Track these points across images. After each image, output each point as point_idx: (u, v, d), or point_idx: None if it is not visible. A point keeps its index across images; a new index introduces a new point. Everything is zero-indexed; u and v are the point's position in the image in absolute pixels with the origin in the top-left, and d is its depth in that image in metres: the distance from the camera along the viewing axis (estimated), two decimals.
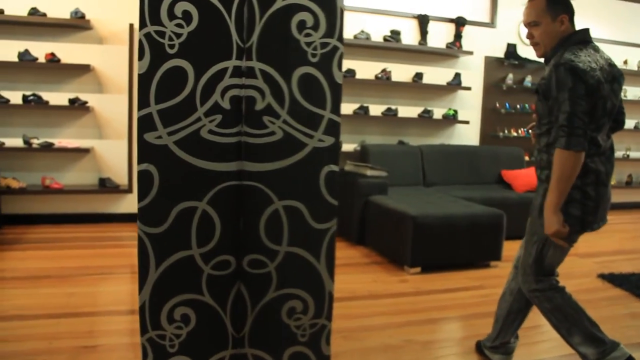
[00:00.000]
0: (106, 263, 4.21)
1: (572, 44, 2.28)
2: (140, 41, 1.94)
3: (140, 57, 1.94)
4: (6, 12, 4.99)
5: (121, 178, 5.47)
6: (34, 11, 5.03)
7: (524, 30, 2.47)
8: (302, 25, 2.06)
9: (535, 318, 2.85)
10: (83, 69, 5.26)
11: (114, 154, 5.47)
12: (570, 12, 2.33)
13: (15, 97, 5.11)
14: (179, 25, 1.96)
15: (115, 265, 4.17)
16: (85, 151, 5.30)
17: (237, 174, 2.05)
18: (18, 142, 5.16)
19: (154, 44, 1.94)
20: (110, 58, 5.39)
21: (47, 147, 5.11)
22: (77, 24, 5.17)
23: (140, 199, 1.96)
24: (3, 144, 5.06)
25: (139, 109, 1.96)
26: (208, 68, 1.99)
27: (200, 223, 2.02)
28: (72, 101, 5.19)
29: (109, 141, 5.45)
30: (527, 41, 2.46)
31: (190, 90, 1.97)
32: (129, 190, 5.40)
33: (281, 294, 2.15)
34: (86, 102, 5.21)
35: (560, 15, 2.30)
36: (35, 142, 5.11)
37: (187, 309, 2.07)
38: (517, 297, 2.64)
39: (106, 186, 5.31)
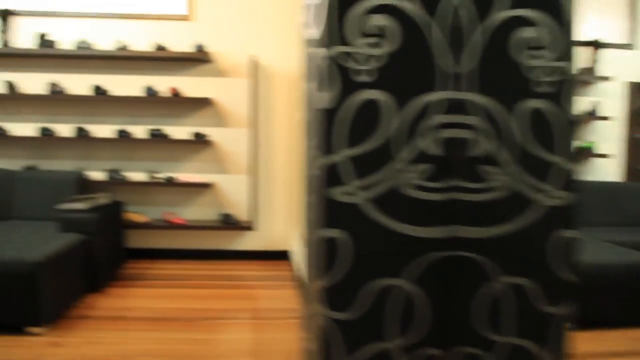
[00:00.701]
0: (228, 306, 3.79)
1: None
2: (320, 67, 1.44)
3: (324, 87, 1.44)
4: (131, 48, 4.79)
5: (243, 214, 5.08)
6: (156, 46, 4.80)
7: None
8: (528, 44, 1.50)
9: None
10: (204, 103, 4.96)
11: (236, 189, 5.10)
12: None
13: (139, 131, 4.87)
14: (374, 45, 1.45)
15: (237, 308, 3.74)
16: (206, 186, 4.96)
17: (448, 242, 1.49)
18: (142, 176, 4.90)
19: (342, 69, 1.44)
20: (230, 91, 5.06)
21: (170, 182, 4.82)
22: (198, 57, 4.89)
23: (324, 275, 1.44)
24: (128, 178, 4.80)
25: (323, 155, 1.45)
26: (411, 101, 1.46)
27: (400, 306, 1.47)
28: (194, 135, 4.88)
29: (230, 176, 5.09)
30: None
31: (389, 132, 1.45)
32: (250, 227, 4.99)
33: None
34: (207, 136, 4.88)
35: None
36: (158, 177, 4.82)
37: None
38: None
39: (227, 222, 4.93)
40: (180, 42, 4.92)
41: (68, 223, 3.85)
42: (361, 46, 1.43)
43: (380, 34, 1.44)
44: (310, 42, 1.48)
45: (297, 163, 5.12)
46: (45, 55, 4.84)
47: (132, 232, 4.92)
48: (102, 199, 4.26)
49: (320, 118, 1.44)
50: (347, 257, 1.44)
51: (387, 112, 1.45)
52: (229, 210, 5.05)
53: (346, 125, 1.43)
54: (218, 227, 4.92)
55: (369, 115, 1.44)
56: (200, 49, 4.82)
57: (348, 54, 1.43)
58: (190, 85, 4.98)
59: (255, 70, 5.00)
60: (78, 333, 3.18)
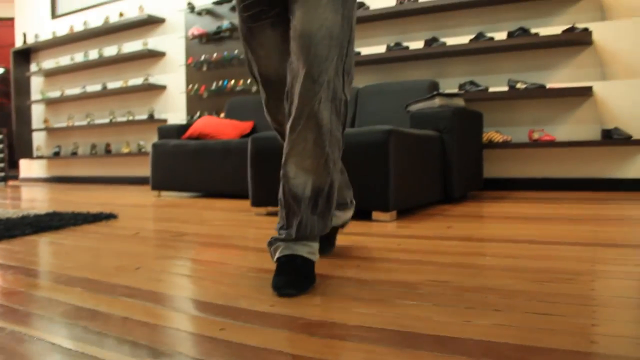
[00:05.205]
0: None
1: None
2: None
3: None
4: None
5: (633, 128, 3.74)
6: None
7: None
8: None
9: None
10: None
11: (622, 98, 3.79)
12: None
13: (499, 36, 4.03)
14: None
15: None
16: (583, 93, 3.77)
17: None
18: (502, 88, 4.05)
19: None
20: None
21: (537, 91, 3.81)
22: None
23: None
24: (486, 89, 4.00)
25: None
26: None
27: None
28: (570, 29, 3.79)
29: (613, 82, 3.81)
30: None
31: None
32: None
33: None
34: (586, 29, 3.73)
35: None
36: (521, 87, 3.89)
37: None
38: None
39: (612, 138, 3.66)
40: None
41: (419, 119, 3.26)
42: None
43: None
44: None
45: None
46: None
47: (491, 155, 4.10)
48: (459, 101, 3.56)
49: None
50: None
51: None
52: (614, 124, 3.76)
53: None
54: (599, 142, 3.71)
55: None
56: None
57: None
58: None
59: None
60: (427, 224, 2.51)
